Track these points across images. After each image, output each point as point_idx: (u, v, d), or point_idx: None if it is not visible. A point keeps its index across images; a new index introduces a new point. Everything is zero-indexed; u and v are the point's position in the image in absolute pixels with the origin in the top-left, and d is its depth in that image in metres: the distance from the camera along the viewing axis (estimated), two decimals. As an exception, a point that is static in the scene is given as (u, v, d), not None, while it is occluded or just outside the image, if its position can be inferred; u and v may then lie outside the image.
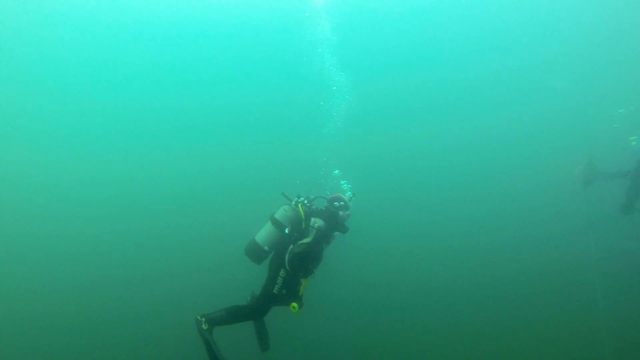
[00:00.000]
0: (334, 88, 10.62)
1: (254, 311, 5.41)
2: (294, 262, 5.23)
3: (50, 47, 14.42)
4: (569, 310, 8.05)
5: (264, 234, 5.56)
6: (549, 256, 9.84)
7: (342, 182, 7.80)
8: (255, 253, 5.53)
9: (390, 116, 15.58)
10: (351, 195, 5.92)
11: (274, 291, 5.32)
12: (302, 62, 11.79)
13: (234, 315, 5.36)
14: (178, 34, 15.12)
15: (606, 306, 7.36)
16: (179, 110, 15.16)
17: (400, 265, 10.71)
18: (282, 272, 5.35)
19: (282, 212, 5.60)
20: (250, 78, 15.52)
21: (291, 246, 5.28)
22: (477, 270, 10.34)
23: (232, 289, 6.12)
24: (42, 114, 14.26)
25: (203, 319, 5.26)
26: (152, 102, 15.10)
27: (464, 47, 15.38)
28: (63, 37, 14.38)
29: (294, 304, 5.12)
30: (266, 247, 5.48)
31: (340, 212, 5.61)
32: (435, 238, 12.04)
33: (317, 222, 5.37)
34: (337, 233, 5.65)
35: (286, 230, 5.42)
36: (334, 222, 5.52)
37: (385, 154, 14.55)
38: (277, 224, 5.51)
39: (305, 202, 5.64)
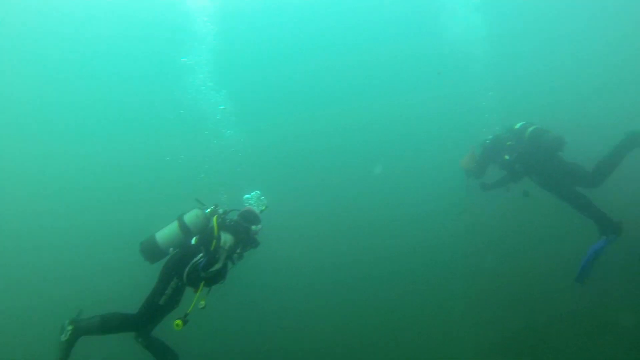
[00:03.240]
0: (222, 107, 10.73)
1: (134, 322, 4.90)
2: (201, 282, 4.95)
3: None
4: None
5: (166, 234, 5.22)
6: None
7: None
8: (151, 252, 5.17)
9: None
10: (263, 208, 5.87)
11: (160, 302, 4.86)
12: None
13: (108, 323, 4.81)
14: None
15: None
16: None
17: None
18: (174, 282, 4.96)
19: (193, 217, 5.30)
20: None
21: (199, 269, 4.93)
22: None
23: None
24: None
25: (70, 327, 4.70)
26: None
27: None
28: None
29: (178, 321, 4.65)
30: (165, 248, 5.17)
31: (253, 227, 5.51)
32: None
33: (227, 241, 5.14)
34: (247, 248, 5.52)
35: (192, 241, 5.13)
36: (245, 237, 5.39)
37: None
38: (184, 229, 5.20)
39: (220, 212, 5.44)
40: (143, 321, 4.94)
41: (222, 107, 10.63)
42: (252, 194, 7.63)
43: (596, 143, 6.69)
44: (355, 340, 7.64)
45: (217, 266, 5.06)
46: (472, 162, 7.54)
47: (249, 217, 5.64)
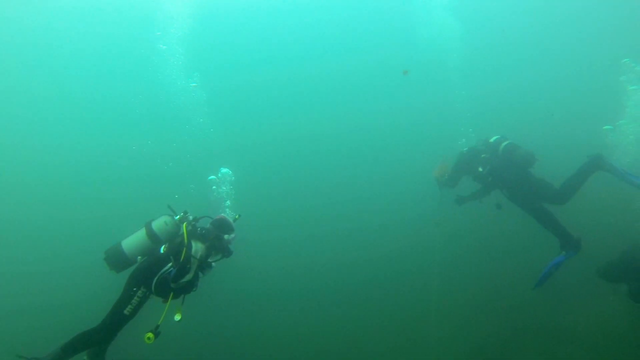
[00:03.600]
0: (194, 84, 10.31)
1: (98, 335, 4.61)
2: (170, 292, 4.77)
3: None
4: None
5: (133, 242, 5.01)
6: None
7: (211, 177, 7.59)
8: (117, 261, 4.94)
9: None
10: (236, 217, 5.66)
11: (125, 312, 4.63)
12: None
13: (72, 346, 4.52)
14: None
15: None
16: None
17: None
18: (141, 291, 4.74)
19: (161, 225, 5.07)
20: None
21: (169, 279, 4.72)
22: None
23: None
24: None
25: None
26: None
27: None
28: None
29: (149, 334, 4.43)
30: (132, 257, 4.97)
31: (226, 236, 5.28)
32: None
33: (198, 250, 4.92)
34: (219, 257, 5.32)
35: (161, 249, 4.93)
36: (218, 246, 5.19)
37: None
38: (153, 237, 4.99)
39: (191, 218, 5.20)
40: (109, 332, 4.70)
41: (194, 85, 10.19)
42: (220, 172, 7.38)
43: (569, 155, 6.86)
44: (331, 346, 7.72)
45: (188, 277, 4.88)
46: (443, 172, 7.61)
47: (222, 226, 5.42)
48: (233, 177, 7.51)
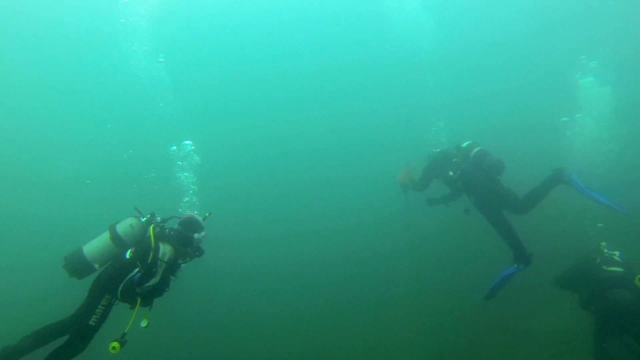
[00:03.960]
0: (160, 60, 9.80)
1: (67, 351, 4.35)
2: (138, 297, 4.57)
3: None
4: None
5: (96, 247, 4.69)
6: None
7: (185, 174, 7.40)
8: (78, 268, 4.60)
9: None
10: (206, 215, 5.47)
11: (91, 322, 4.40)
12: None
13: None
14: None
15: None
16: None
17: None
18: (105, 299, 4.50)
19: (126, 228, 4.79)
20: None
21: (134, 284, 4.52)
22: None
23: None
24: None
25: None
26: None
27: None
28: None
29: (115, 344, 4.24)
30: (95, 264, 4.65)
31: (195, 235, 5.10)
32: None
33: (166, 253, 4.70)
34: (189, 258, 5.15)
35: (127, 254, 4.68)
36: (189, 247, 5.03)
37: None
38: (118, 241, 4.70)
39: (159, 220, 5.01)
40: (77, 346, 4.42)
41: (160, 60, 9.70)
42: (183, 143, 7.21)
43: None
44: (297, 349, 7.68)
45: (153, 281, 4.65)
46: (408, 177, 7.70)
47: (191, 225, 5.22)
48: (197, 159, 7.33)
